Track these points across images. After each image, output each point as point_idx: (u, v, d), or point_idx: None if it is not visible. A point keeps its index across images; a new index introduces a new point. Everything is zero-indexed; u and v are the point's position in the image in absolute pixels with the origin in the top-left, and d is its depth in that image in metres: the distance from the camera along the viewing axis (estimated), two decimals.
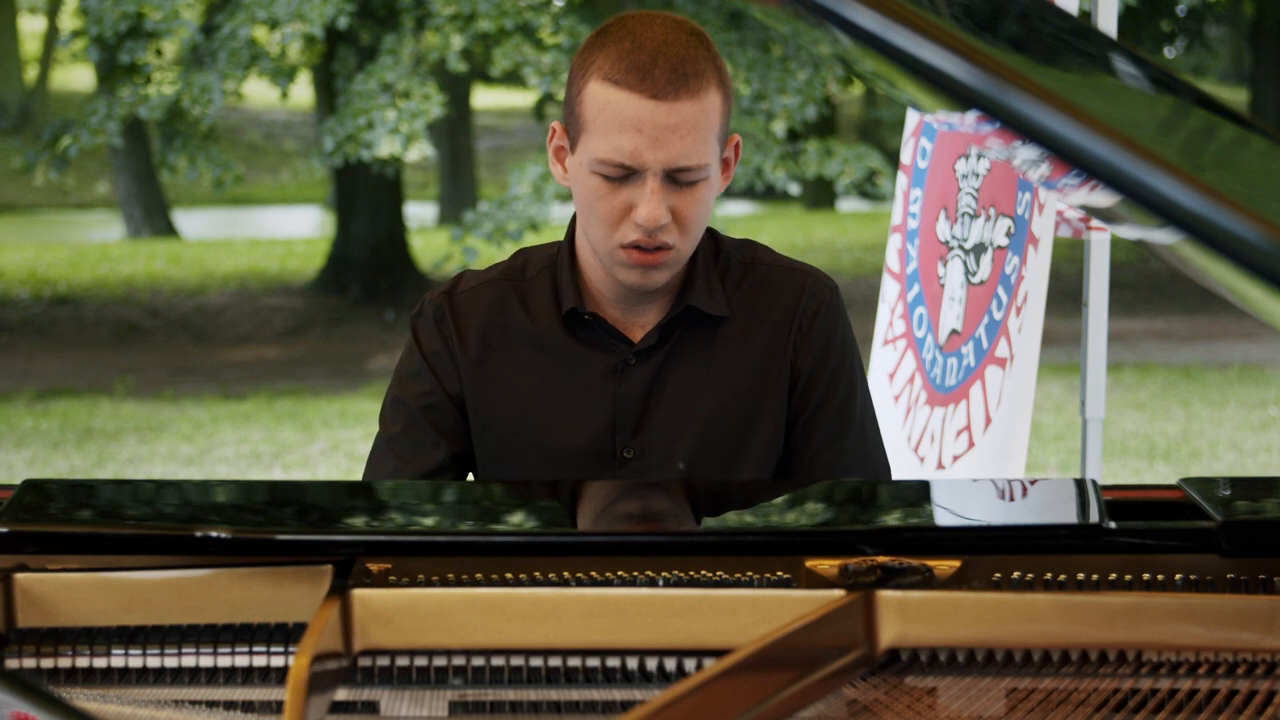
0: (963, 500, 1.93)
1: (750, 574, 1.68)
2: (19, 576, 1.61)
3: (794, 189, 11.69)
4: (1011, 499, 1.94)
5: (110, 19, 10.67)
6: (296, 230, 20.41)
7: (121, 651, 1.60)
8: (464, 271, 2.24)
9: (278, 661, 1.60)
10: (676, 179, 2.01)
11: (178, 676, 1.59)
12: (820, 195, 21.67)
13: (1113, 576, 1.68)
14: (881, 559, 1.66)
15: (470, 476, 2.20)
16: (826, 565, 1.66)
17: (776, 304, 2.16)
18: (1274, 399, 9.39)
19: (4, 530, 1.69)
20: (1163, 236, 1.43)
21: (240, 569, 1.62)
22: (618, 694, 1.57)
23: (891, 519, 1.87)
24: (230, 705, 1.56)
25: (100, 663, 1.59)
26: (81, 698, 1.54)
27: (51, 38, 23.85)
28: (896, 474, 3.47)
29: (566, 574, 1.67)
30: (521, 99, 23.63)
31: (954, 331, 3.43)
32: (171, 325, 13.44)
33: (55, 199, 23.25)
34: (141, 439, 8.75)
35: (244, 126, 25.94)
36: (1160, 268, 14.39)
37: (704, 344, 2.14)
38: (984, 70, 1.36)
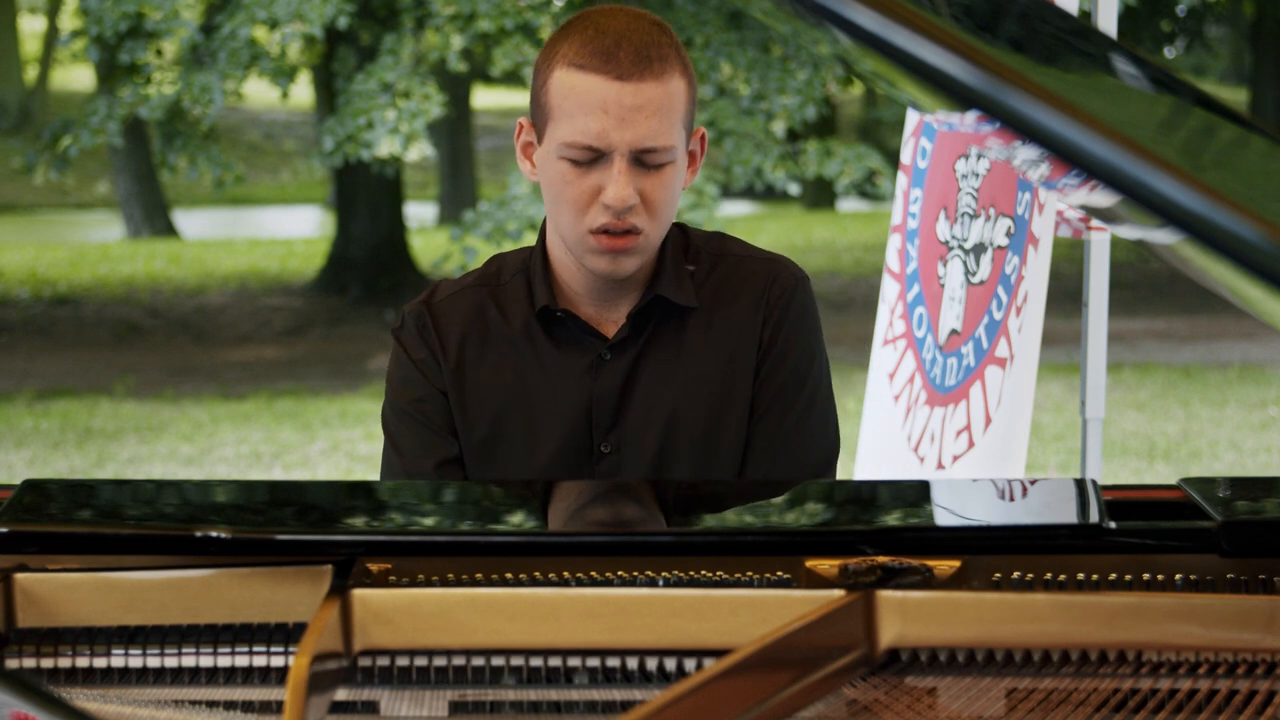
0: (963, 500, 1.93)
1: (750, 574, 1.68)
2: (19, 576, 1.61)
3: (794, 189, 11.69)
4: (1011, 499, 1.94)
5: (110, 19, 10.67)
6: (296, 230, 20.41)
7: (121, 651, 1.60)
8: (440, 281, 2.26)
9: (278, 661, 1.60)
10: (643, 161, 2.03)
11: (178, 676, 1.59)
12: (820, 195, 21.67)
13: (1113, 576, 1.68)
14: (881, 559, 1.66)
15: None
16: (826, 565, 1.66)
17: (744, 293, 2.17)
18: (1274, 399, 9.39)
19: (4, 530, 1.69)
20: (1163, 236, 1.43)
21: (240, 569, 1.62)
22: (618, 694, 1.57)
23: (891, 519, 1.87)
24: (230, 705, 1.56)
25: (100, 663, 1.59)
26: (81, 698, 1.54)
27: (51, 38, 23.86)
28: (896, 474, 3.48)
29: (566, 574, 1.67)
30: (521, 99, 23.62)
31: (954, 331, 3.43)
32: (171, 325, 13.44)
33: (55, 199, 23.25)
34: (141, 439, 8.75)
35: (244, 126, 25.94)
36: (1160, 268, 14.39)
37: (675, 336, 2.16)
38: (984, 70, 1.36)
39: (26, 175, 12.91)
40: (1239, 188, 1.36)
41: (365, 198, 14.45)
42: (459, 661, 1.59)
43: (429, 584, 1.66)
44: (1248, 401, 9.34)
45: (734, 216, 18.51)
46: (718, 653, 1.52)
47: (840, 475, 2.27)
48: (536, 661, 1.59)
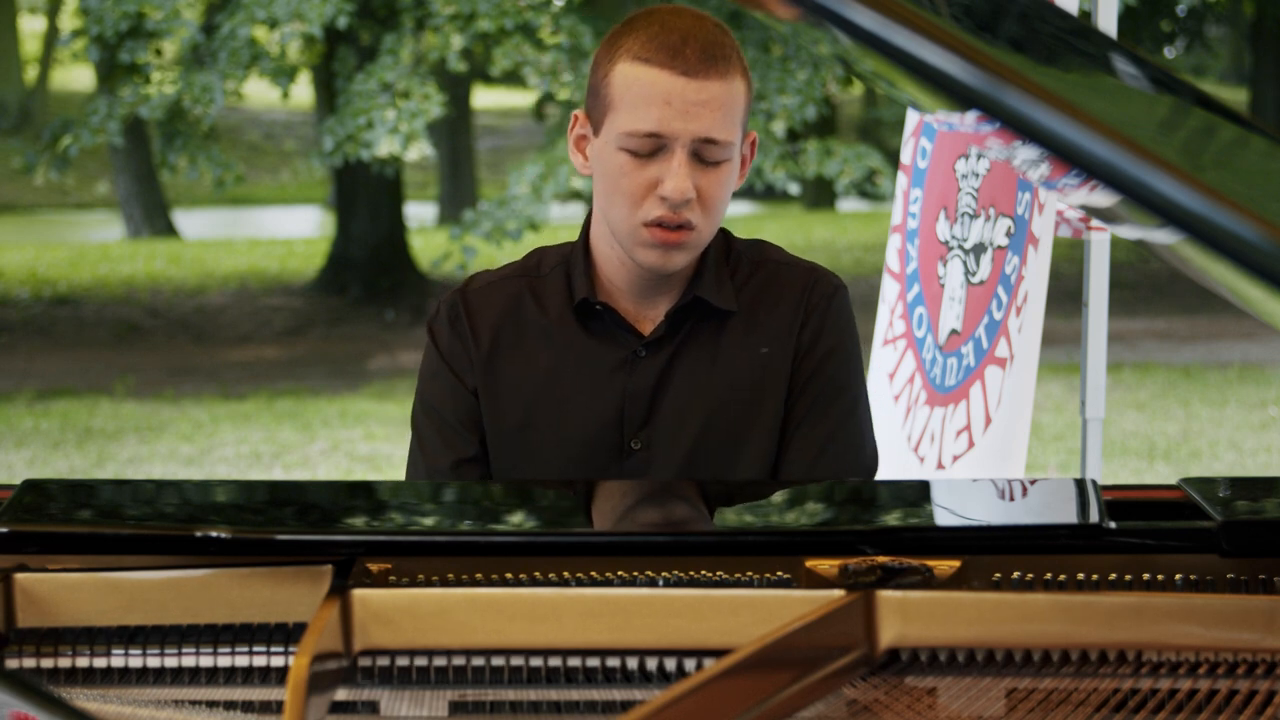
0: (963, 500, 1.93)
1: (750, 574, 1.68)
2: (19, 576, 1.61)
3: (794, 189, 11.69)
4: (1011, 499, 1.94)
5: (110, 19, 10.67)
6: (296, 230, 20.41)
7: (121, 651, 1.60)
8: (478, 271, 2.26)
9: (278, 662, 1.60)
10: (702, 156, 2.04)
11: (178, 676, 1.59)
12: (820, 195, 21.66)
13: (1113, 576, 1.68)
14: (881, 559, 1.66)
15: None
16: (826, 565, 1.66)
17: (783, 299, 2.18)
18: (1274, 399, 9.39)
19: (4, 530, 1.69)
20: (1163, 236, 1.43)
21: (240, 569, 1.62)
22: (618, 694, 1.57)
23: (891, 519, 1.87)
24: (230, 705, 1.56)
25: (100, 663, 1.59)
26: (81, 698, 1.54)
27: (51, 38, 23.86)
28: (896, 474, 3.47)
29: (566, 574, 1.67)
30: (521, 99, 23.62)
31: (954, 331, 3.43)
32: (171, 325, 13.44)
33: (55, 199, 23.25)
34: (141, 439, 8.75)
35: (244, 126, 25.94)
36: (1160, 268, 14.39)
37: (711, 338, 2.16)
38: (984, 70, 1.36)
39: (26, 175, 12.90)
40: (1239, 188, 1.36)
41: (365, 198, 14.44)
42: (459, 661, 1.59)
43: (429, 584, 1.66)
44: (1248, 401, 9.34)
45: (734, 216, 18.52)
46: (718, 653, 1.52)
47: None
48: (536, 661, 1.59)
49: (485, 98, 25.41)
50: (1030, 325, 3.13)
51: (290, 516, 1.87)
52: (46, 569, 1.62)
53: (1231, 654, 1.57)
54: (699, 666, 1.58)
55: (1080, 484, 1.89)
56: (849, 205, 22.03)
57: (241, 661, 1.60)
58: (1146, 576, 1.68)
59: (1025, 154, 1.43)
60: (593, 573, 1.67)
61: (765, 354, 2.16)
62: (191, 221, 20.97)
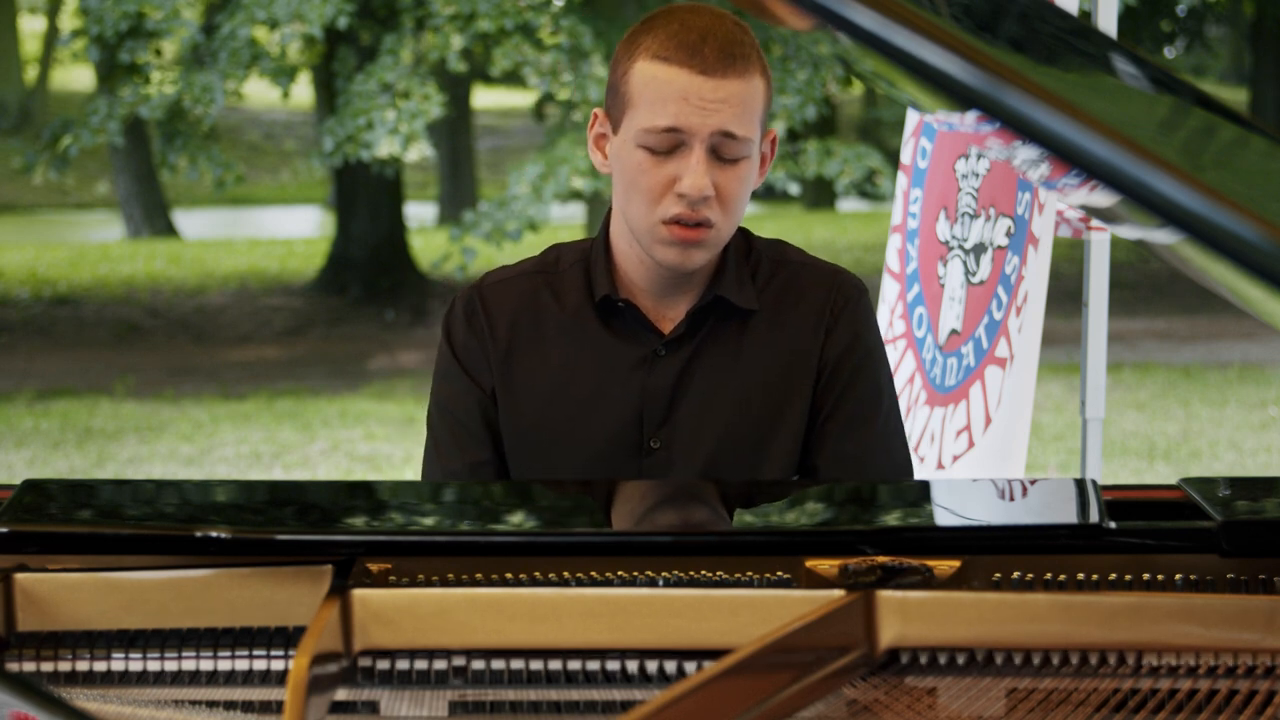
0: (963, 500, 1.93)
1: (750, 574, 1.68)
2: (19, 577, 1.60)
3: (794, 189, 11.70)
4: (1011, 499, 1.94)
5: (110, 19, 10.67)
6: (296, 230, 20.40)
7: (122, 654, 1.59)
8: (495, 268, 2.26)
9: (278, 662, 1.60)
10: (720, 153, 2.05)
11: (178, 678, 1.59)
12: (820, 195, 21.66)
13: (1113, 576, 1.68)
14: (881, 559, 1.66)
15: None
16: (826, 565, 1.66)
17: (805, 301, 2.18)
18: (1274, 399, 9.39)
19: (4, 530, 1.69)
20: (1163, 236, 1.43)
21: (240, 569, 1.62)
22: (618, 694, 1.57)
23: (891, 519, 1.87)
24: (230, 705, 1.55)
25: (100, 665, 1.59)
26: (82, 698, 1.54)
27: (51, 38, 23.85)
28: None
29: (566, 574, 1.67)
30: (521, 99, 23.62)
31: (954, 331, 3.43)
32: (171, 325, 13.44)
33: (55, 199, 23.24)
34: (141, 439, 8.75)
35: (244, 126, 25.94)
36: (1160, 268, 14.39)
37: (733, 337, 2.16)
38: (984, 70, 1.36)
39: (26, 175, 12.89)
40: (1239, 188, 1.36)
41: (365, 198, 14.44)
42: (459, 661, 1.59)
43: (429, 584, 1.66)
44: (1248, 401, 9.34)
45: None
46: (718, 653, 1.52)
47: None
48: (536, 662, 1.59)
49: (485, 98, 25.40)
50: (1030, 325, 3.13)
51: (290, 516, 1.87)
52: (46, 569, 1.62)
53: (1231, 654, 1.57)
54: (699, 666, 1.58)
55: (1080, 484, 1.89)
56: (849, 205, 22.03)
57: (242, 662, 1.60)
58: (1146, 576, 1.68)
59: (1025, 154, 1.43)
60: (593, 573, 1.67)
61: (789, 355, 2.15)
62: (191, 221, 20.97)
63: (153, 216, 19.72)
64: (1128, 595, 1.62)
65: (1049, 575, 1.68)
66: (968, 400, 3.31)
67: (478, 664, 1.59)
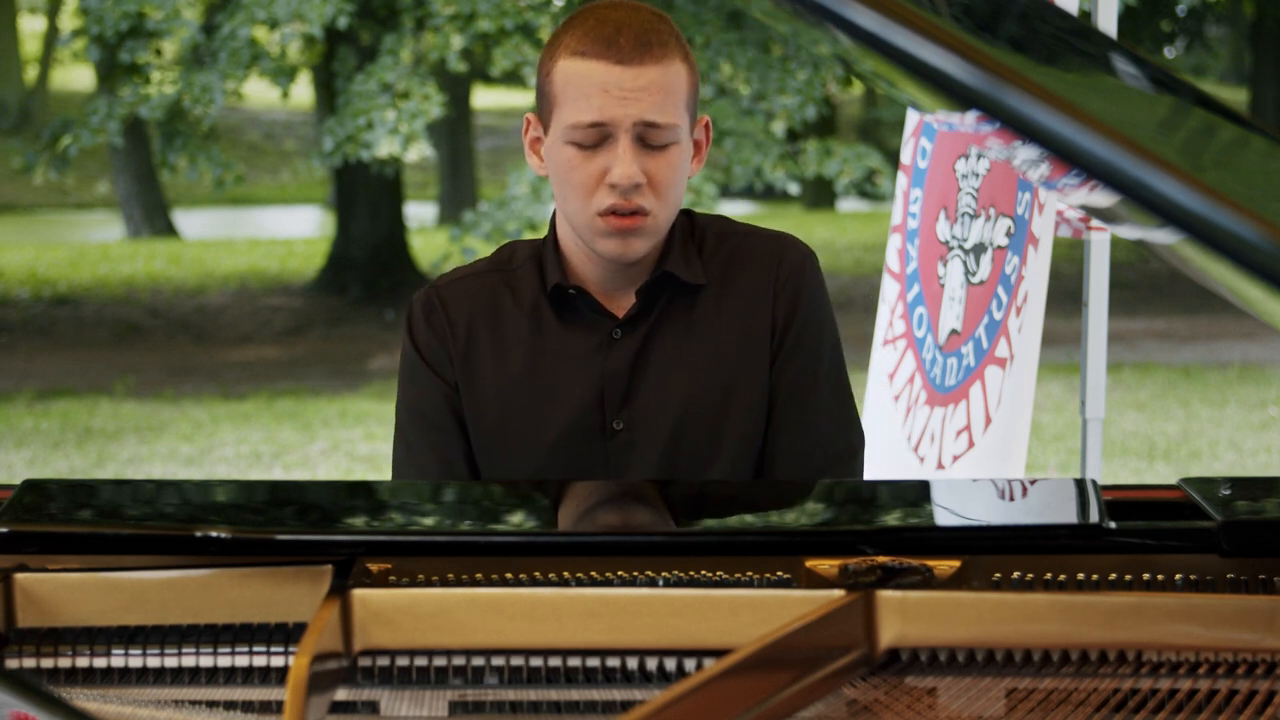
0: (963, 500, 1.93)
1: (750, 574, 1.68)
2: (19, 576, 1.60)
3: (794, 189, 11.69)
4: (1011, 499, 1.94)
5: (110, 18, 10.67)
6: (296, 230, 20.40)
7: (122, 651, 1.60)
8: (450, 270, 2.29)
9: (278, 661, 1.60)
10: (647, 141, 2.08)
11: (178, 676, 1.59)
12: (820, 195, 21.66)
13: (1113, 576, 1.68)
14: (881, 559, 1.66)
15: None
16: (826, 565, 1.66)
17: (753, 269, 2.20)
18: (1274, 399, 9.39)
19: (4, 530, 1.69)
20: (1163, 236, 1.43)
21: (240, 569, 1.62)
22: (618, 694, 1.57)
23: (891, 519, 1.87)
24: (230, 705, 1.56)
25: (100, 663, 1.59)
26: (81, 698, 1.54)
27: (51, 38, 23.85)
28: (896, 474, 3.48)
29: (566, 574, 1.67)
30: (521, 99, 23.64)
31: (954, 331, 3.43)
32: (171, 325, 13.44)
33: (55, 199, 23.24)
34: (141, 439, 8.75)
35: (244, 126, 25.94)
36: (1160, 268, 14.39)
37: (685, 313, 2.18)
38: (984, 70, 1.36)
39: (26, 175, 12.90)
40: (1239, 188, 1.36)
41: (365, 198, 14.45)
42: (459, 661, 1.59)
43: (429, 584, 1.66)
44: (1248, 401, 9.34)
45: (734, 216, 18.48)
46: (718, 653, 1.52)
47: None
48: (536, 661, 1.59)
49: (485, 98, 25.39)
50: (1030, 325, 3.13)
51: (290, 516, 1.87)
52: (46, 569, 1.62)
53: (1231, 654, 1.57)
54: (699, 666, 1.58)
55: (1080, 484, 1.89)
56: (849, 205, 22.02)
57: (241, 661, 1.60)
58: (1146, 576, 1.68)
59: (1025, 154, 1.43)
60: (593, 573, 1.67)
61: (740, 324, 2.17)
62: (191, 221, 20.97)
63: (153, 216, 19.72)
64: (1128, 595, 1.62)
65: (1049, 575, 1.68)
66: (968, 400, 3.31)
67: (478, 663, 1.59)
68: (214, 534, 1.68)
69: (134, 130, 16.33)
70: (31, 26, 26.96)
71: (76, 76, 25.50)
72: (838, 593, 1.56)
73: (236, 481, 2.06)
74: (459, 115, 18.42)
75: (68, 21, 19.87)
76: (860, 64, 1.50)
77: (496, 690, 1.58)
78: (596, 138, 2.07)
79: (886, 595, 1.57)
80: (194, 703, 1.54)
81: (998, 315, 3.25)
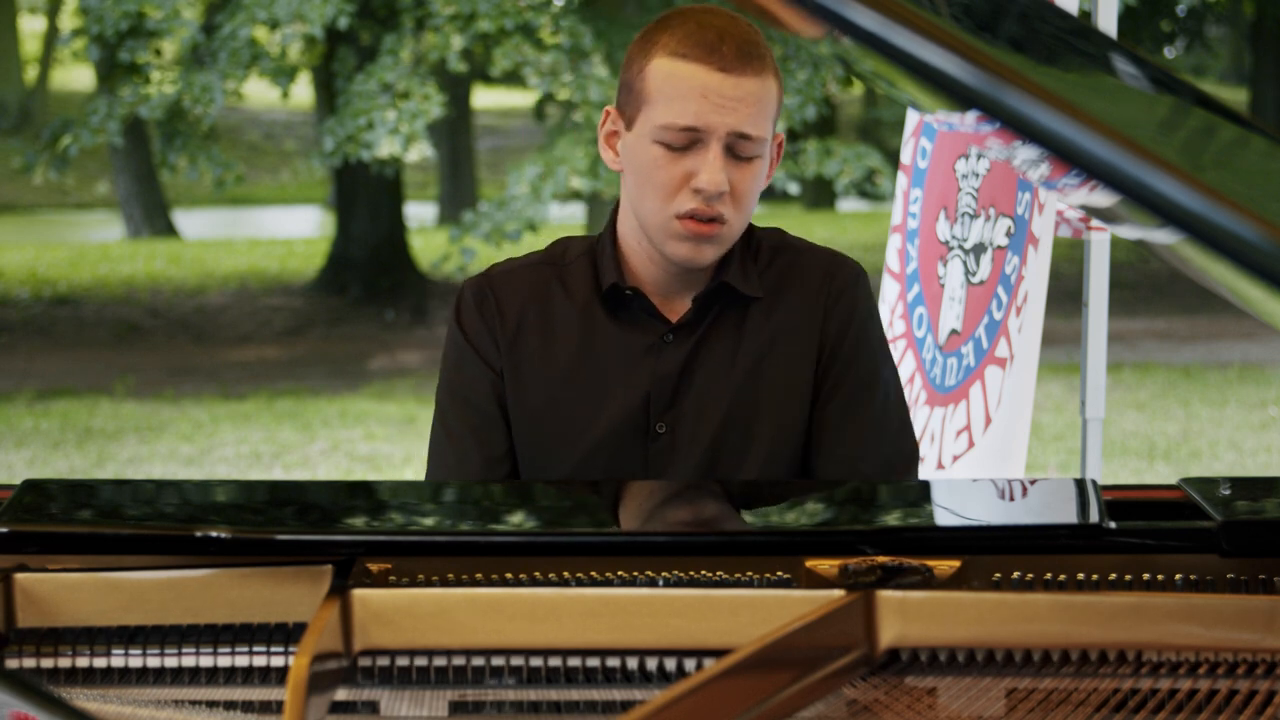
0: (963, 500, 1.93)
1: (750, 574, 1.68)
2: (19, 576, 1.61)
3: (794, 189, 11.70)
4: (1011, 499, 1.94)
5: (110, 18, 10.67)
6: (296, 230, 20.40)
7: (122, 651, 1.60)
8: (501, 260, 2.28)
9: (278, 661, 1.60)
10: (736, 151, 2.08)
11: (178, 676, 1.59)
12: (820, 195, 21.66)
13: (1113, 576, 1.68)
14: (881, 559, 1.66)
15: None
16: (826, 565, 1.66)
17: (804, 285, 2.20)
18: (1274, 399, 9.40)
19: (4, 530, 1.69)
20: (1163, 236, 1.43)
21: (240, 569, 1.62)
22: (618, 694, 1.57)
23: (891, 519, 1.87)
24: (230, 705, 1.56)
25: (100, 663, 1.59)
26: (81, 698, 1.54)
27: (51, 37, 23.85)
28: None
29: (566, 574, 1.67)
30: (521, 99, 23.61)
31: (954, 331, 3.43)
32: (171, 325, 13.44)
33: (55, 199, 23.24)
34: (141, 439, 8.75)
35: (244, 126, 25.94)
36: (1160, 268, 14.39)
37: (735, 323, 2.18)
38: (984, 70, 1.36)
39: (26, 175, 12.90)
40: (1239, 188, 1.36)
41: (365, 198, 14.44)
42: (459, 661, 1.59)
43: (429, 584, 1.66)
44: (1248, 401, 9.34)
45: None
46: (718, 653, 1.52)
47: None
48: (536, 661, 1.59)
49: (485, 98, 25.40)
50: (1030, 325, 3.13)
51: (290, 516, 1.87)
52: (46, 569, 1.62)
53: (1231, 654, 1.57)
54: (699, 666, 1.58)
55: (1080, 484, 1.89)
56: (849, 205, 22.02)
57: (241, 661, 1.60)
58: (1146, 576, 1.68)
59: (1025, 154, 1.43)
60: (593, 573, 1.67)
61: (788, 338, 2.18)
62: (191, 221, 20.97)
63: (153, 216, 19.72)
64: (1128, 595, 1.62)
65: (1049, 575, 1.68)
66: (968, 400, 3.31)
67: (478, 663, 1.59)
68: (214, 534, 1.68)
69: (134, 130, 16.33)
70: (31, 26, 26.97)
71: (76, 76, 25.50)
72: (838, 593, 1.57)
73: (236, 481, 2.06)
74: (459, 115, 18.42)
75: (68, 21, 19.88)
76: (860, 64, 1.50)
77: (496, 690, 1.58)
78: (686, 140, 2.07)
79: (886, 595, 1.57)
80: (194, 703, 1.55)
81: (998, 315, 3.25)
